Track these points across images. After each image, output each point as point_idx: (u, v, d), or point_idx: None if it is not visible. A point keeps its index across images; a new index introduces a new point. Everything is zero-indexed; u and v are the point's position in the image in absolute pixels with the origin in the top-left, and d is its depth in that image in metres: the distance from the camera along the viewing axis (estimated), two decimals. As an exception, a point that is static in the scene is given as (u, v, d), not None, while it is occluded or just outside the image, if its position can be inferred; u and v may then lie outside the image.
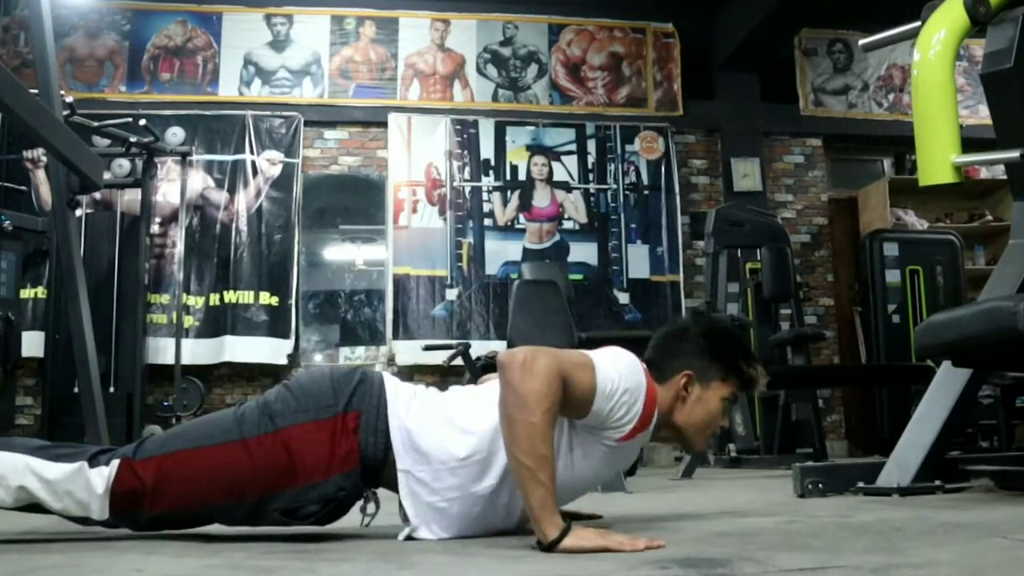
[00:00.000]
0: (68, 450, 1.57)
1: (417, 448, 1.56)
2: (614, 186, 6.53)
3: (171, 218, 5.91)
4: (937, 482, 2.37)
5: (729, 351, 1.70)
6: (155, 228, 5.90)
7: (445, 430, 1.57)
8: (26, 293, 5.57)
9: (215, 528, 1.63)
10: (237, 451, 1.54)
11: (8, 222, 4.71)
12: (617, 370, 1.52)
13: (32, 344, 5.41)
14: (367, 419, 1.57)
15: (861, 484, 2.45)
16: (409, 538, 1.56)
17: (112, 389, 5.25)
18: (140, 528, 1.62)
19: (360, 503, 1.61)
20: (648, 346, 1.72)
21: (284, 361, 5.89)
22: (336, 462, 1.53)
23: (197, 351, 5.81)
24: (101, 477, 1.53)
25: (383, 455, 1.57)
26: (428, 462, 1.56)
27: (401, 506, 1.58)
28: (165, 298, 5.88)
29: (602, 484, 2.82)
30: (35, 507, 1.56)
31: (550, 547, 1.34)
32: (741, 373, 1.69)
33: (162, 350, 5.74)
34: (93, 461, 1.54)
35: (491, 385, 1.66)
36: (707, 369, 1.66)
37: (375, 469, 1.58)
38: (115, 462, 1.54)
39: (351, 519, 1.61)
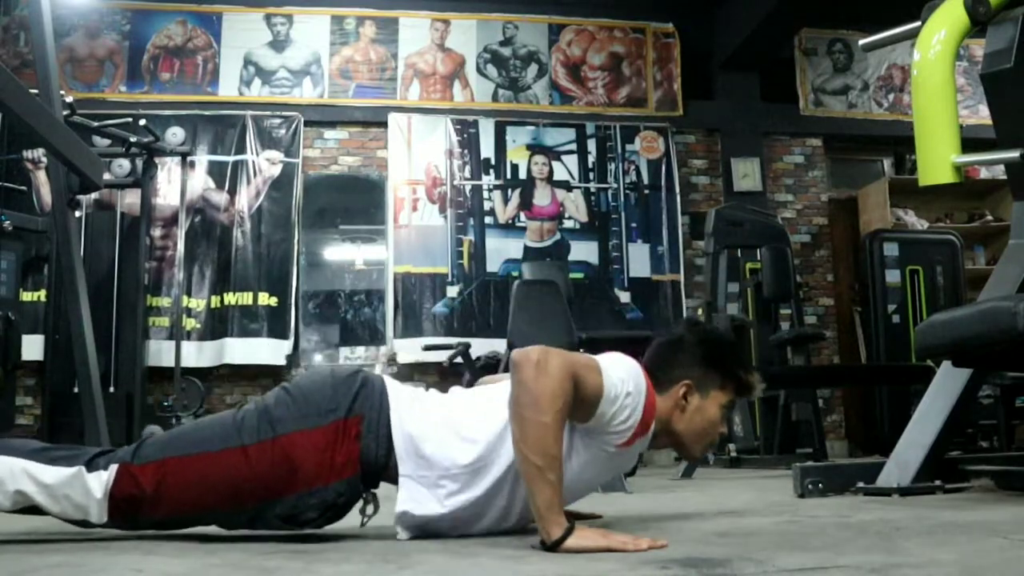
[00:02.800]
0: (65, 452, 1.56)
1: (420, 454, 1.55)
2: (614, 185, 6.53)
3: (171, 221, 5.91)
4: (937, 482, 2.37)
5: (726, 360, 1.71)
6: (156, 232, 5.90)
7: (448, 436, 1.56)
8: (26, 296, 5.56)
9: (215, 528, 1.63)
10: (237, 458, 1.52)
11: (8, 222, 4.71)
12: (620, 376, 1.52)
13: (32, 348, 5.40)
14: (369, 423, 1.55)
15: (861, 484, 2.45)
16: (402, 537, 1.55)
17: (112, 389, 5.25)
18: (139, 529, 1.61)
19: (360, 504, 1.61)
20: (644, 356, 1.71)
21: (283, 362, 5.88)
22: (336, 469, 1.52)
23: (198, 354, 5.81)
24: (99, 482, 1.52)
25: (385, 459, 1.56)
26: (431, 467, 1.55)
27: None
28: (166, 301, 5.88)
29: (601, 485, 2.82)
30: (34, 509, 1.55)
31: (553, 546, 1.33)
32: (738, 380, 1.71)
33: (164, 353, 5.74)
34: (91, 465, 1.53)
35: (493, 388, 1.66)
36: (705, 378, 1.67)
37: (376, 472, 1.57)
38: (113, 467, 1.53)
39: (350, 520, 1.61)
